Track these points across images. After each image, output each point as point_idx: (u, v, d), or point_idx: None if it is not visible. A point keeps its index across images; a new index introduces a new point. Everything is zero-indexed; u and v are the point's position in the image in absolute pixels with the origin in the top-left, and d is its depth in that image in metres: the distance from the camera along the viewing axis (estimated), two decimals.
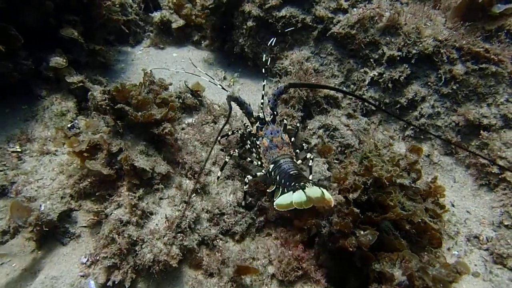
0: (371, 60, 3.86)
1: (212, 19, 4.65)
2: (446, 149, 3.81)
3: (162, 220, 2.62)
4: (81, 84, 3.77)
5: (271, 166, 2.94)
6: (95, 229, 2.81)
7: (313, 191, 2.42)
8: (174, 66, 4.96)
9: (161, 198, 2.79)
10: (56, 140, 3.49)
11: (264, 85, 3.33)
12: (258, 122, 3.17)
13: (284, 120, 3.44)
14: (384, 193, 2.32)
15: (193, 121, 3.80)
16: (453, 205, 3.41)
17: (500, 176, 3.37)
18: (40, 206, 2.79)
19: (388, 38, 3.73)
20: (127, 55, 5.30)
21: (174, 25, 5.24)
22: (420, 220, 2.39)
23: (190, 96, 3.99)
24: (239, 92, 4.57)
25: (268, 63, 3.59)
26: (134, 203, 2.61)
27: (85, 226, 2.81)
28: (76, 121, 3.76)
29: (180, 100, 3.95)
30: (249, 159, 3.18)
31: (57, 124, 3.69)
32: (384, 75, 3.81)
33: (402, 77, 3.73)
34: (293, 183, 2.63)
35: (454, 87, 3.66)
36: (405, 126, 3.90)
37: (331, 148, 3.20)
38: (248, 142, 3.27)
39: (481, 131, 3.56)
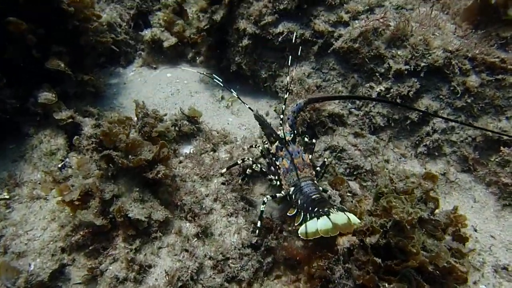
0: (377, 74, 3.63)
1: (209, 39, 4.43)
2: (463, 166, 3.57)
3: (162, 274, 2.41)
4: (70, 120, 3.56)
5: (292, 189, 2.83)
6: (90, 285, 2.60)
7: (339, 217, 2.33)
8: (168, 87, 4.74)
9: (159, 248, 2.58)
10: (45, 184, 3.27)
11: (284, 103, 3.11)
12: (278, 142, 3.00)
13: (305, 138, 3.23)
14: (405, 238, 2.09)
15: (191, 151, 3.58)
16: (475, 230, 3.17)
17: None
18: (30, 265, 2.59)
19: (394, 51, 3.50)
20: (119, 77, 5.09)
21: (166, 44, 5.02)
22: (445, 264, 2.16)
23: (187, 123, 3.77)
24: (238, 112, 4.35)
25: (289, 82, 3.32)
26: (131, 257, 2.40)
27: (79, 283, 2.60)
28: (67, 159, 3.56)
29: (177, 128, 3.73)
30: (268, 177, 3.02)
31: (47, 164, 3.49)
32: (392, 90, 3.57)
33: (411, 92, 3.49)
34: (316, 209, 2.50)
35: (469, 100, 3.42)
36: (417, 142, 3.66)
37: (343, 180, 2.97)
38: (267, 160, 3.13)
39: (501, 147, 3.31)
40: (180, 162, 3.30)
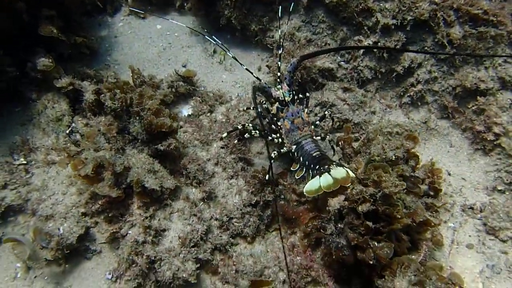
0: (365, 28, 3.67)
1: None
2: (443, 113, 3.80)
3: (175, 237, 2.76)
4: (71, 87, 3.63)
5: (294, 147, 3.10)
6: (114, 243, 2.96)
7: (339, 172, 2.63)
8: (160, 41, 4.70)
9: (171, 213, 2.90)
10: (57, 149, 3.48)
11: (279, 60, 3.28)
12: (278, 103, 3.16)
13: (307, 94, 3.42)
14: (391, 206, 2.40)
15: (190, 112, 3.75)
16: (449, 174, 3.52)
17: (495, 142, 3.40)
18: (59, 229, 2.91)
19: (382, 4, 3.50)
20: (108, 28, 4.98)
21: None
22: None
23: (183, 84, 3.87)
24: (231, 66, 4.41)
25: (282, 40, 3.43)
26: (147, 224, 2.72)
27: (104, 243, 2.96)
28: (73, 124, 3.71)
29: (173, 90, 3.84)
30: (269, 138, 3.26)
31: (55, 129, 3.65)
32: (379, 43, 3.64)
33: (398, 46, 3.56)
34: (317, 166, 2.81)
35: (451, 52, 3.51)
36: (402, 93, 3.84)
37: (351, 139, 3.16)
38: (267, 120, 3.34)
39: (478, 97, 3.51)
40: (181, 127, 3.48)
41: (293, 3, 3.77)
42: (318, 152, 2.96)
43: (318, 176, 2.72)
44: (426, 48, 3.64)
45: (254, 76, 3.29)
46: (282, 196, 3.14)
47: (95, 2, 4.70)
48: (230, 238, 2.98)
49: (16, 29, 3.59)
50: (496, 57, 3.46)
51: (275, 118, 3.28)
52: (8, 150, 3.52)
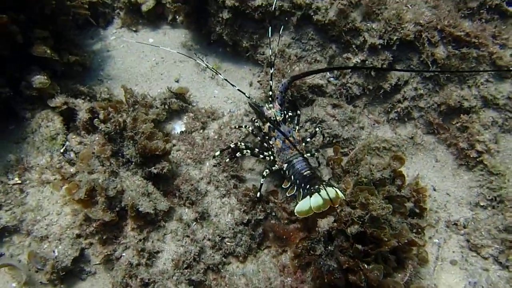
0: (353, 46, 3.73)
1: (185, 8, 4.31)
2: (429, 129, 3.89)
3: (169, 259, 2.81)
4: (65, 106, 3.65)
5: (285, 165, 3.17)
6: (108, 265, 3.01)
7: (329, 193, 2.65)
8: (152, 55, 4.73)
9: (164, 234, 2.95)
10: (52, 169, 3.50)
11: (271, 79, 3.39)
12: (269, 123, 3.24)
13: (298, 112, 3.52)
14: (379, 228, 2.47)
15: (182, 129, 3.80)
16: (434, 189, 3.62)
17: (477, 159, 3.50)
18: (54, 251, 2.95)
19: (369, 24, 3.56)
20: (100, 41, 5.00)
21: (144, 8, 4.86)
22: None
23: (175, 101, 3.91)
24: (223, 81, 4.46)
25: (273, 58, 3.54)
26: (141, 247, 2.76)
27: (98, 264, 3.00)
28: (67, 142, 3.73)
29: (166, 107, 3.87)
30: (261, 156, 3.34)
31: (49, 148, 3.67)
32: (367, 62, 3.72)
33: (385, 65, 3.64)
34: (308, 186, 2.90)
35: (436, 72, 3.59)
36: (389, 109, 3.92)
37: (341, 160, 3.23)
38: (259, 138, 3.43)
39: (461, 115, 3.60)
40: (174, 145, 3.52)
41: (283, 25, 3.83)
42: (308, 171, 3.03)
43: (308, 197, 2.80)
44: (411, 66, 3.71)
45: (246, 96, 3.37)
46: (273, 214, 3.20)
47: (87, 17, 4.71)
48: (223, 258, 3.05)
49: (8, 49, 3.59)
50: (478, 72, 3.55)
51: (267, 137, 3.36)
52: (3, 169, 3.54)
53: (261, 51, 4.18)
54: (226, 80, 3.39)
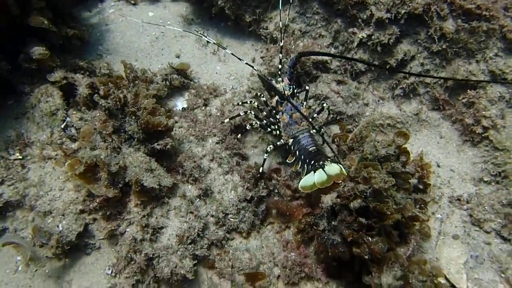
0: (359, 20, 3.63)
1: None
2: (434, 105, 3.83)
3: (173, 234, 2.81)
4: (64, 81, 3.57)
5: (291, 140, 3.19)
6: (113, 239, 3.01)
7: (333, 169, 2.73)
8: (152, 30, 4.60)
9: (168, 210, 2.94)
10: (53, 144, 3.47)
11: (280, 52, 3.34)
12: (277, 97, 3.21)
13: (307, 87, 3.49)
14: (381, 202, 2.46)
15: (184, 105, 3.74)
16: (438, 165, 3.59)
17: (483, 135, 3.46)
18: (58, 226, 2.95)
19: None
20: (98, 14, 4.84)
21: None
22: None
23: (177, 77, 3.83)
24: (225, 57, 4.35)
25: (283, 32, 3.48)
26: (145, 223, 2.76)
27: (103, 239, 3.00)
28: (68, 118, 3.67)
29: (167, 83, 3.80)
30: (268, 129, 3.35)
31: (50, 124, 3.62)
32: (373, 36, 3.63)
33: (392, 40, 3.54)
34: (312, 161, 2.91)
35: (444, 46, 3.53)
36: (394, 85, 3.85)
37: (347, 137, 3.19)
38: (264, 113, 3.41)
39: (468, 90, 3.53)
40: (176, 122, 3.47)
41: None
42: (314, 147, 3.04)
43: (312, 172, 2.81)
44: (419, 40, 3.62)
45: (255, 69, 3.33)
46: (276, 191, 3.19)
47: None
48: (226, 234, 3.05)
49: (4, 21, 3.48)
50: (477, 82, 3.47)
51: (274, 111, 3.34)
52: (4, 144, 3.50)
53: (264, 25, 4.07)
54: (233, 54, 3.32)
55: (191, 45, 4.45)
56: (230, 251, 3.01)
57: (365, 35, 3.64)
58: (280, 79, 3.26)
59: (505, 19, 3.29)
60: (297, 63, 3.22)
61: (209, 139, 3.48)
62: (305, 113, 3.24)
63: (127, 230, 2.84)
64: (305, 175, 2.93)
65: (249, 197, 3.15)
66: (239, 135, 3.39)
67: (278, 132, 3.32)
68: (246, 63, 3.30)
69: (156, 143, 2.88)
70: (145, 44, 4.50)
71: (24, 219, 3.24)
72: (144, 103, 2.82)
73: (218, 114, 3.63)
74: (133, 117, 2.88)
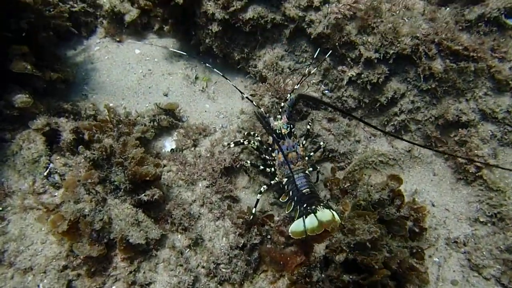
0: (348, 59, 3.67)
1: (172, 19, 4.21)
2: (426, 142, 3.87)
3: None
4: (47, 128, 3.51)
5: (285, 180, 3.19)
6: None
7: (324, 215, 2.71)
8: (139, 67, 4.60)
9: (156, 264, 2.85)
10: (35, 194, 3.37)
11: (286, 98, 3.41)
12: (275, 135, 3.23)
13: (308, 125, 3.59)
14: (369, 255, 2.42)
15: (173, 147, 3.70)
16: (433, 205, 3.59)
17: (477, 174, 3.48)
18: (38, 286, 2.83)
19: (364, 37, 3.51)
20: (83, 53, 4.84)
21: (127, 18, 4.71)
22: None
23: (165, 117, 3.81)
24: (214, 94, 4.36)
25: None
26: (132, 280, 2.67)
27: None
28: (51, 164, 3.59)
29: (155, 124, 3.77)
30: (261, 167, 3.36)
31: (32, 171, 3.53)
32: (362, 75, 3.66)
33: (381, 79, 3.59)
34: (305, 205, 2.88)
35: (433, 85, 3.59)
36: (385, 122, 3.88)
37: (339, 181, 3.19)
38: (262, 151, 3.43)
39: (460, 129, 3.58)
40: (164, 166, 3.42)
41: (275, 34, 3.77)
42: (307, 189, 3.03)
43: (303, 217, 2.80)
44: (408, 79, 3.67)
45: (254, 105, 3.38)
46: (269, 237, 3.14)
47: (68, 27, 4.55)
48: (218, 285, 2.96)
49: None
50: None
51: (270, 149, 3.35)
52: None
53: (252, 64, 4.10)
54: (235, 87, 3.40)
55: (179, 82, 4.45)
56: None
57: (354, 74, 3.68)
58: (279, 116, 3.29)
59: (492, 59, 3.37)
60: (296, 104, 3.28)
61: (199, 182, 3.43)
62: (301, 153, 3.24)
63: (113, 287, 2.74)
64: (297, 218, 2.93)
65: (241, 244, 3.09)
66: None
67: (272, 169, 3.32)
68: (247, 97, 3.38)
69: (143, 194, 2.82)
70: (132, 82, 4.49)
71: (3, 276, 3.10)
72: (132, 152, 2.78)
73: (208, 155, 3.60)
74: (120, 167, 2.83)
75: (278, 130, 3.22)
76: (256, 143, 3.39)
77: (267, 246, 3.06)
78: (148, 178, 2.84)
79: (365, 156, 3.84)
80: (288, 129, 3.24)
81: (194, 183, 3.40)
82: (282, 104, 3.33)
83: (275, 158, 3.27)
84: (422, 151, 3.89)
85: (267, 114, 3.32)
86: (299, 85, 3.46)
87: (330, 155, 3.83)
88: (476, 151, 3.47)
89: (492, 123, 3.56)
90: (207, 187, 3.35)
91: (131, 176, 2.78)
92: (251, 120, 3.83)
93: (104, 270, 2.81)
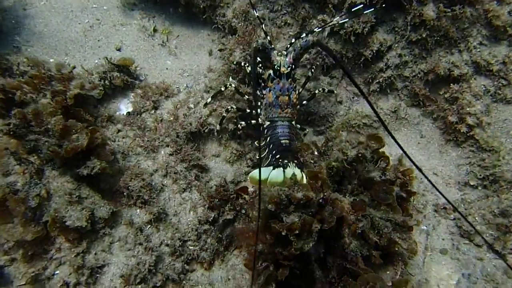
0: (330, 5, 3.34)
1: None
2: (413, 101, 3.66)
3: (117, 274, 2.41)
4: None
5: (267, 123, 3.00)
6: (37, 285, 2.53)
7: (294, 174, 2.43)
8: (85, 17, 4.06)
9: (111, 243, 2.53)
10: None
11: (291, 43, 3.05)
12: (272, 70, 2.97)
13: (310, 72, 3.35)
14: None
15: (130, 109, 3.30)
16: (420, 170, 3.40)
17: (468, 134, 3.32)
18: None
19: None
20: None
21: None
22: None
23: (118, 74, 3.37)
24: (176, 49, 3.93)
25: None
26: (80, 263, 2.33)
27: (23, 285, 2.52)
28: None
29: (107, 82, 3.33)
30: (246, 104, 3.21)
31: None
32: (346, 25, 3.34)
33: (366, 29, 3.29)
34: (278, 155, 2.74)
35: (424, 35, 3.32)
36: (370, 80, 3.63)
37: (309, 147, 2.91)
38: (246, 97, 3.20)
39: (451, 84, 3.38)
40: (119, 131, 3.04)
41: None
42: (287, 141, 2.86)
43: (271, 167, 2.64)
44: (396, 28, 3.40)
45: (264, 32, 3.04)
46: (243, 211, 2.87)
47: None
48: (185, 265, 2.69)
49: None
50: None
51: (263, 84, 3.07)
52: None
53: (220, 12, 3.67)
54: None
55: (134, 35, 3.97)
56: (189, 286, 2.66)
57: (336, 23, 3.36)
58: (285, 53, 2.97)
59: (490, 2, 3.13)
60: (310, 48, 2.97)
61: (161, 150, 3.09)
62: (294, 100, 2.99)
63: (56, 272, 2.39)
64: (264, 165, 2.80)
65: (212, 219, 2.81)
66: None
67: (259, 110, 3.06)
68: (257, 16, 3.03)
69: (83, 167, 2.42)
70: (76, 34, 3.95)
71: None
72: (52, 122, 2.33)
73: (171, 119, 3.23)
74: (43, 139, 2.40)
75: (277, 66, 2.91)
76: (234, 86, 3.13)
77: (240, 226, 2.78)
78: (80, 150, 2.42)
79: (348, 119, 3.61)
80: (289, 69, 2.94)
81: (155, 151, 3.06)
82: (294, 40, 2.98)
83: (265, 96, 3.00)
84: (409, 111, 3.68)
85: (271, 46, 2.97)
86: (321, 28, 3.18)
87: (309, 118, 3.56)
88: (468, 109, 3.29)
89: (485, 76, 3.38)
90: (170, 154, 3.02)
91: (54, 154, 2.35)
92: (220, 79, 3.47)
93: (44, 252, 2.45)
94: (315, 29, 3.19)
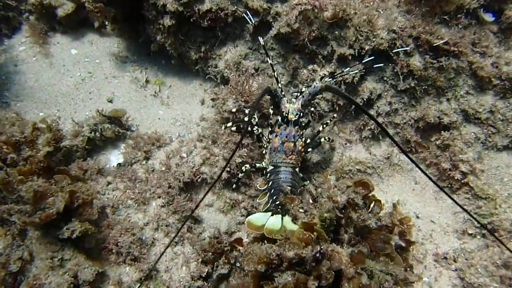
0: (320, 57, 3.50)
1: (111, 11, 3.85)
2: (406, 148, 3.75)
3: None
4: None
5: (271, 167, 3.09)
6: None
7: (292, 224, 2.45)
8: (77, 70, 4.17)
9: None
10: None
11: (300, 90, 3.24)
12: (280, 116, 3.09)
13: (322, 126, 3.47)
14: None
15: (120, 161, 3.31)
16: (417, 217, 3.45)
17: (462, 181, 3.39)
18: None
19: (337, 32, 3.35)
20: (4, 53, 4.29)
21: (61, 13, 4.27)
22: None
23: (109, 126, 3.42)
24: (168, 99, 4.02)
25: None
26: None
27: None
28: None
29: (97, 134, 3.37)
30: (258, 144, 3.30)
31: None
32: (336, 73, 3.48)
33: (356, 78, 3.44)
34: (278, 202, 2.76)
35: (412, 84, 3.47)
36: (361, 127, 3.72)
37: (294, 199, 2.92)
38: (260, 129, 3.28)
39: (442, 131, 3.49)
40: (109, 183, 3.03)
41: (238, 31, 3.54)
42: (289, 187, 2.87)
43: (270, 214, 2.67)
44: (384, 78, 3.55)
45: (275, 78, 3.15)
46: (238, 265, 2.81)
47: None
48: None
49: None
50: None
51: (270, 128, 3.22)
52: None
53: (212, 63, 3.82)
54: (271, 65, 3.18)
55: (126, 86, 4.07)
56: None
57: (327, 72, 3.51)
58: (294, 100, 3.09)
59: (473, 55, 3.32)
60: (318, 94, 3.07)
61: (152, 202, 3.07)
62: (299, 147, 3.08)
63: None
64: (263, 210, 2.87)
65: (205, 274, 2.75)
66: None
67: (264, 152, 3.23)
68: (272, 68, 3.16)
69: (65, 228, 2.36)
70: (68, 88, 4.04)
71: None
72: (23, 189, 2.30)
73: (163, 169, 3.24)
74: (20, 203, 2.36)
75: (285, 113, 3.02)
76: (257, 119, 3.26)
77: (235, 282, 2.71)
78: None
79: (341, 165, 3.66)
80: (297, 116, 3.04)
81: (146, 203, 3.04)
82: (303, 89, 3.12)
83: (271, 140, 3.12)
84: (402, 158, 3.76)
85: (283, 93, 3.10)
86: (329, 77, 3.31)
87: (302, 166, 3.60)
88: (460, 156, 3.38)
89: (475, 124, 3.51)
90: (162, 206, 3.00)
91: (27, 222, 2.29)
92: (213, 128, 3.53)
93: None
94: (324, 77, 3.33)
